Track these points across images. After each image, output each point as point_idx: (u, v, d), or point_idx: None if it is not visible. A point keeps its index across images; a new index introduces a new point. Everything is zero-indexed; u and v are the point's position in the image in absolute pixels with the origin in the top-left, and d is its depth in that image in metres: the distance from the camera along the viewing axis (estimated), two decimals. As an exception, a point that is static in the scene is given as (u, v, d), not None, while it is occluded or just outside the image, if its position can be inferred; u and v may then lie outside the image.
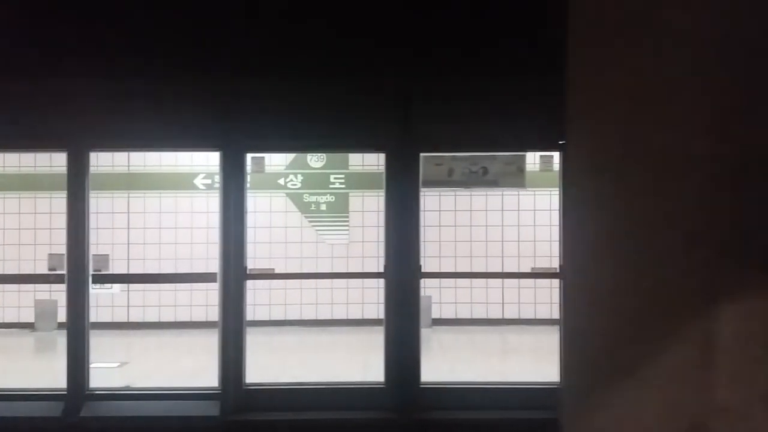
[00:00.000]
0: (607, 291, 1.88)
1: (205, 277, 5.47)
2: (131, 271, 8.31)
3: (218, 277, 4.70)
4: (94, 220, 4.80)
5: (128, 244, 8.42)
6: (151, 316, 8.55)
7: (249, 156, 4.90)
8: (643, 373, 1.76)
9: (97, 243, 5.00)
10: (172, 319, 8.47)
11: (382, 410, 4.62)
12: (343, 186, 8.26)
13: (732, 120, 1.78)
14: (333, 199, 8.33)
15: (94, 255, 4.75)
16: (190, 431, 4.56)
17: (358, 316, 8.27)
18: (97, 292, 7.73)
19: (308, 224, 8.54)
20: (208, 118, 4.58)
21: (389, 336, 4.70)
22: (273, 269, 5.59)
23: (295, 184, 8.27)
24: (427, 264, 5.20)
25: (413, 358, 4.68)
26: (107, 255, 5.50)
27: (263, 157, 5.86)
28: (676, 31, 1.81)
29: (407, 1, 4.48)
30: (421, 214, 4.75)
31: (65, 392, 4.64)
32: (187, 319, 8.35)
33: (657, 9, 1.82)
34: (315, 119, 4.57)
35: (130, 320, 8.51)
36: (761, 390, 1.66)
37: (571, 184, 2.19)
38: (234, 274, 4.67)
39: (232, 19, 4.44)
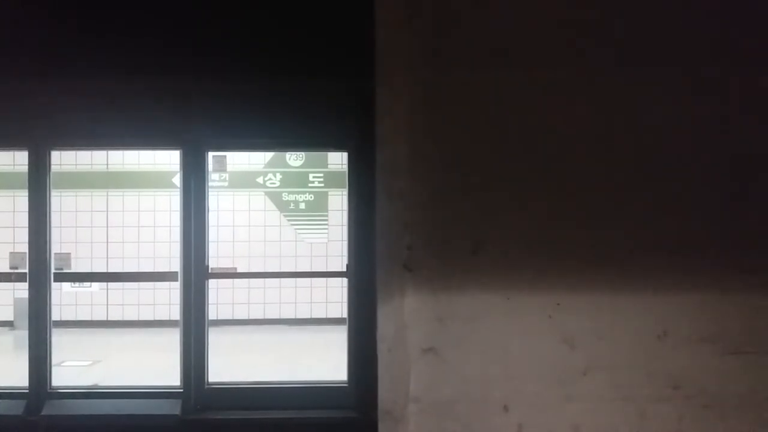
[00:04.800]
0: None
1: (166, 276, 5.47)
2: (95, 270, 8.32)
3: (179, 277, 4.70)
4: (57, 219, 4.81)
5: (92, 242, 8.43)
6: (130, 315, 8.57)
7: (210, 155, 4.89)
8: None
9: (61, 241, 5.02)
10: (151, 318, 8.49)
11: (344, 410, 4.66)
12: (321, 185, 8.25)
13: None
14: (312, 198, 8.32)
15: (56, 253, 4.75)
16: (151, 430, 4.57)
17: (322, 315, 8.30)
18: (75, 291, 7.79)
19: (287, 223, 8.54)
20: (168, 117, 4.57)
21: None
22: (235, 268, 5.57)
23: (274, 183, 8.27)
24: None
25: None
26: (69, 253, 5.49)
27: (225, 156, 5.85)
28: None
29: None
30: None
31: (27, 390, 4.65)
32: (165, 317, 8.37)
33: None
34: (273, 118, 4.57)
35: (109, 318, 8.53)
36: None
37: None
38: (195, 273, 4.67)
39: (191, 19, 4.44)
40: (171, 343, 5.33)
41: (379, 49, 2.13)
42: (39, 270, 4.62)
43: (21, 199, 5.39)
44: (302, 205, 8.36)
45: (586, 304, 2.11)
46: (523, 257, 2.09)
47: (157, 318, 8.43)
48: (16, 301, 8.34)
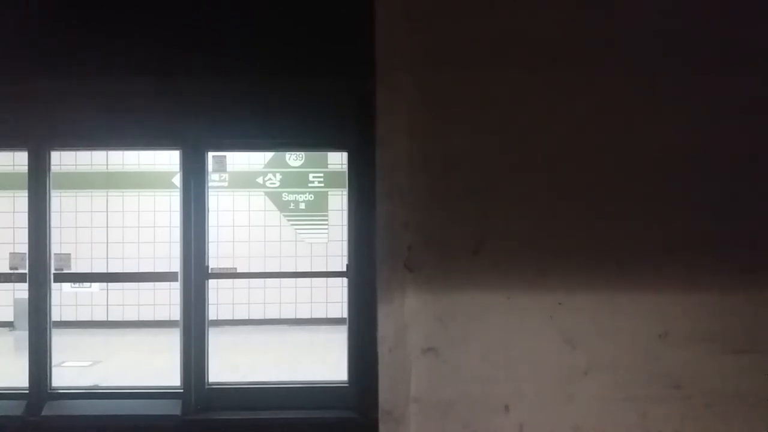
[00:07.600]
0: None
1: (166, 277, 5.47)
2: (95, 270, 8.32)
3: (179, 277, 4.70)
4: (57, 219, 4.81)
5: (92, 243, 8.43)
6: (130, 315, 8.57)
7: (210, 155, 4.88)
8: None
9: (60, 242, 5.02)
10: (151, 318, 8.49)
11: (345, 410, 4.66)
12: (321, 185, 8.25)
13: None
14: (312, 198, 8.32)
15: (55, 254, 4.75)
16: (151, 430, 4.56)
17: (322, 315, 8.30)
18: (76, 291, 7.79)
19: (287, 223, 8.54)
20: (168, 117, 4.58)
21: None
22: (235, 268, 5.57)
23: (274, 183, 8.27)
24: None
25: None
26: (69, 254, 5.49)
27: (224, 156, 5.85)
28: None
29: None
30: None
31: (27, 391, 4.64)
32: (165, 318, 8.37)
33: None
34: (273, 118, 4.57)
35: (109, 319, 8.53)
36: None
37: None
38: (195, 273, 4.66)
39: (191, 19, 4.43)
40: (171, 344, 5.34)
41: (379, 48, 2.13)
42: (39, 270, 4.61)
43: (21, 200, 5.39)
44: (302, 205, 8.36)
45: (587, 304, 2.10)
46: (524, 257, 2.08)
47: (157, 318, 8.43)
48: (16, 302, 8.34)
